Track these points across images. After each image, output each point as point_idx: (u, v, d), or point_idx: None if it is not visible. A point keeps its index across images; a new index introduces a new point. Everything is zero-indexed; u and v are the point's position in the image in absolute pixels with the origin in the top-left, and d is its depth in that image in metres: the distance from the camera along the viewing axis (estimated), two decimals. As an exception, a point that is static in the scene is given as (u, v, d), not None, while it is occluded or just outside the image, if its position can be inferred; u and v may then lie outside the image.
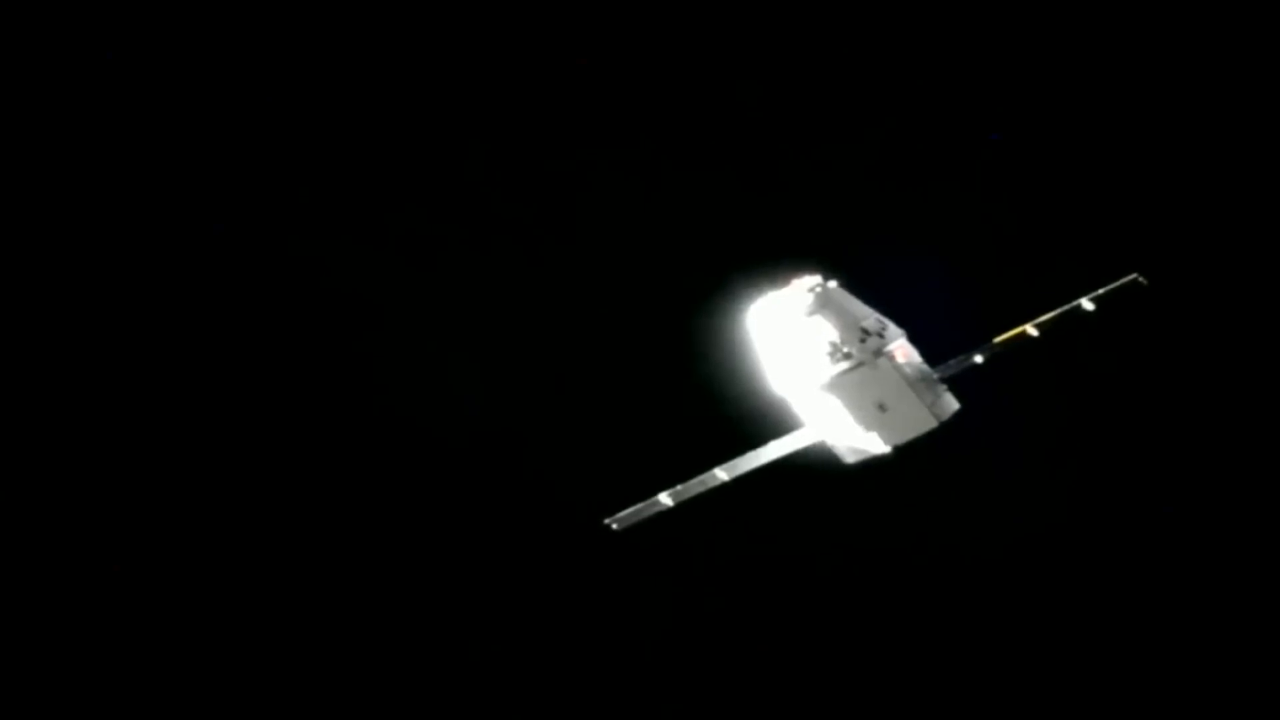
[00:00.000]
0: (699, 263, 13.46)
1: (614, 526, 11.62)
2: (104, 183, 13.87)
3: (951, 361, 11.07)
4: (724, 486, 11.41)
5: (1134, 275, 10.97)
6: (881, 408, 10.79)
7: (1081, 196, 13.55)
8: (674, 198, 13.75)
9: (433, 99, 13.85)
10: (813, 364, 10.74)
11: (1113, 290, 10.96)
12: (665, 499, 11.45)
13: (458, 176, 13.89)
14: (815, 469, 11.38)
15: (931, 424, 10.89)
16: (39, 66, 13.74)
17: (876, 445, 10.95)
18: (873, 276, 11.30)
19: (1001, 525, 13.59)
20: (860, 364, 10.70)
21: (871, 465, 11.13)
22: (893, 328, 10.86)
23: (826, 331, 10.70)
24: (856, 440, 10.98)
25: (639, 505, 11.52)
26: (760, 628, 13.83)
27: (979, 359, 11.05)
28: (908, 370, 10.81)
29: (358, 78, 13.85)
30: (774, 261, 11.21)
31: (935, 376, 11.01)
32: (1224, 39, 13.41)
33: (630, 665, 13.87)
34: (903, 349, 10.86)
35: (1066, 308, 10.99)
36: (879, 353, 10.73)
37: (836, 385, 10.74)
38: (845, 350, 10.69)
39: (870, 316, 10.81)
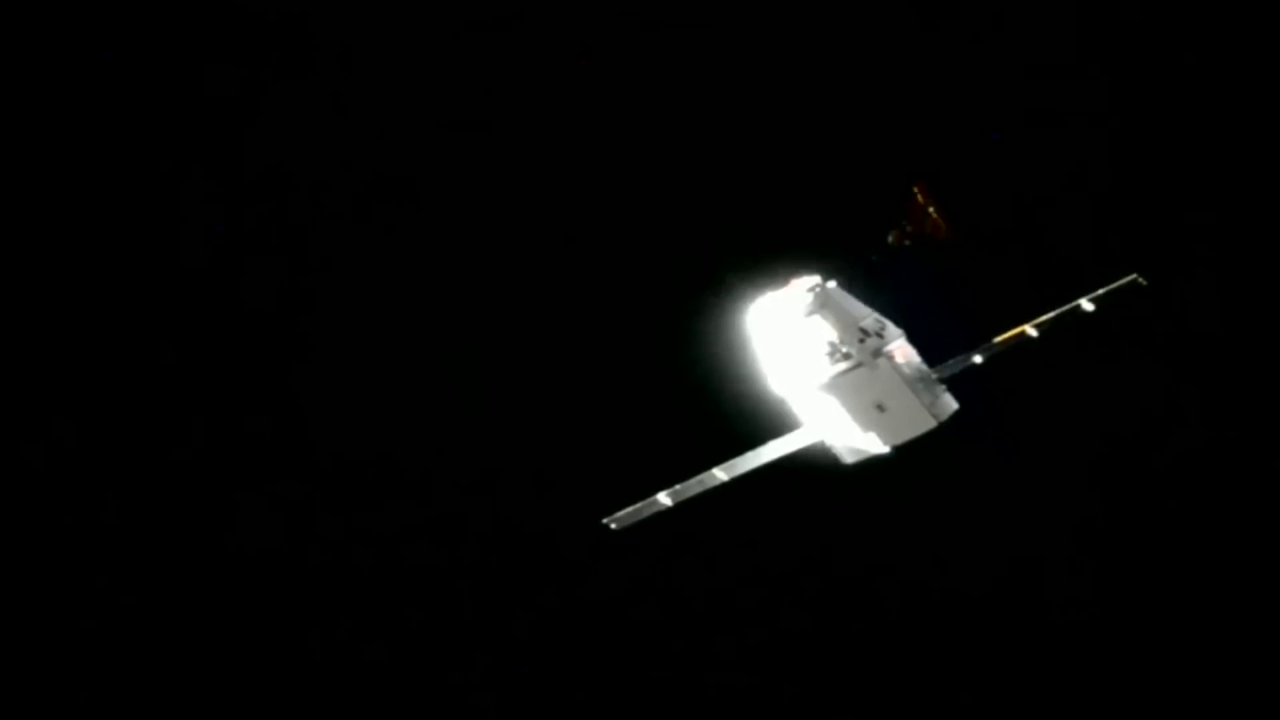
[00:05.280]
0: (699, 263, 13.46)
1: (613, 526, 11.63)
2: (104, 183, 13.87)
3: (951, 361, 11.08)
4: (723, 486, 11.42)
5: (1134, 275, 10.97)
6: (880, 408, 10.79)
7: (1081, 196, 13.54)
8: (673, 197, 13.75)
9: (433, 99, 13.85)
10: (811, 364, 10.75)
11: (1112, 290, 10.96)
12: (664, 499, 11.46)
13: (458, 176, 13.90)
14: (814, 469, 11.39)
15: (930, 424, 10.89)
16: (39, 66, 13.74)
17: (875, 445, 10.96)
18: (872, 276, 11.30)
19: (1001, 525, 13.58)
20: (859, 364, 10.71)
21: (870, 465, 11.13)
22: (891, 328, 10.87)
23: (825, 332, 10.71)
24: (855, 440, 10.98)
25: (638, 505, 11.53)
26: (759, 628, 13.83)
27: (978, 359, 11.06)
28: (906, 370, 10.81)
29: (358, 78, 13.86)
30: (774, 261, 11.21)
31: (934, 377, 11.02)
32: (1224, 39, 13.40)
33: (629, 665, 13.87)
34: (901, 349, 10.87)
35: (1066, 308, 11.00)
36: (878, 353, 10.74)
37: (835, 385, 10.75)
38: (844, 350, 10.70)
39: (869, 316, 10.82)
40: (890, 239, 12.52)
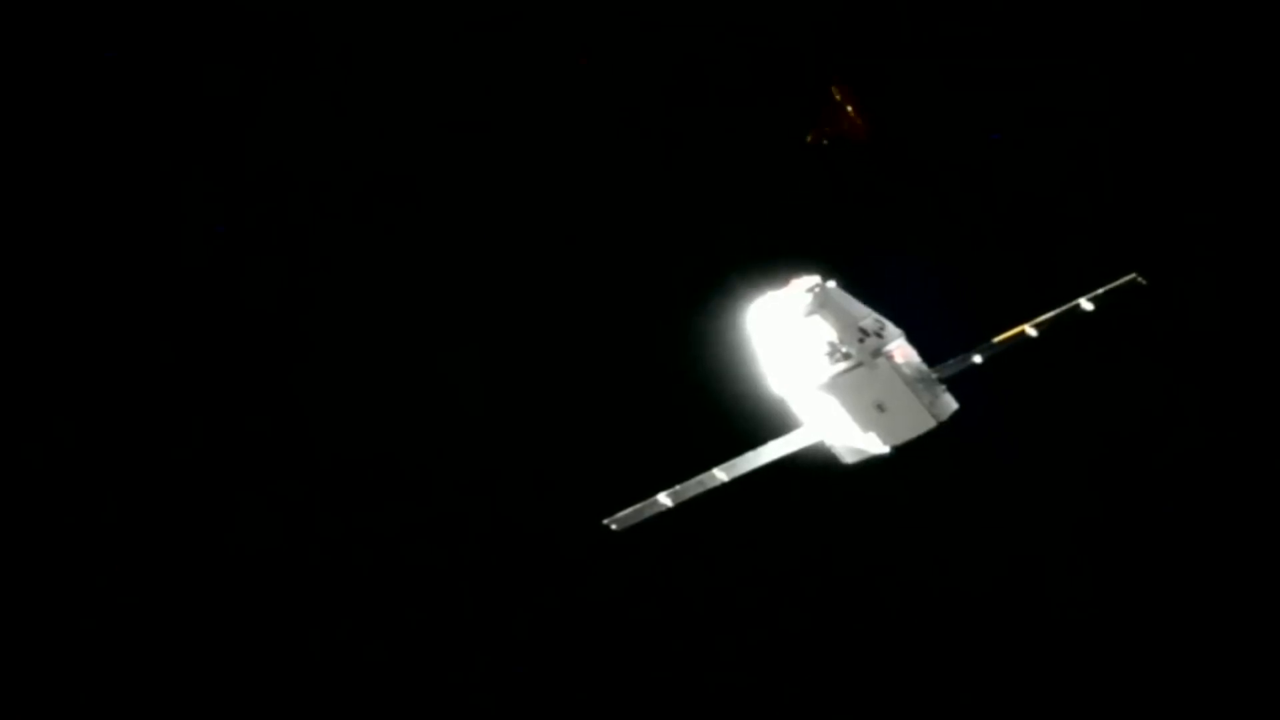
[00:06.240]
0: (699, 263, 13.47)
1: (613, 527, 11.62)
2: (104, 183, 13.87)
3: (950, 361, 11.07)
4: (723, 487, 11.41)
5: (1133, 275, 10.97)
6: (880, 408, 10.79)
7: (1081, 196, 13.55)
8: (674, 198, 13.76)
9: (433, 99, 13.86)
10: (811, 364, 10.74)
11: (1112, 290, 10.96)
12: (664, 499, 11.44)
13: (458, 176, 13.90)
14: (814, 469, 11.38)
15: (930, 424, 10.88)
16: (39, 66, 13.74)
17: (875, 445, 10.95)
18: (872, 276, 11.30)
19: (1001, 525, 13.58)
20: (859, 364, 10.70)
21: (870, 465, 11.13)
22: (891, 328, 10.86)
23: (825, 331, 10.70)
24: (855, 440, 10.97)
25: (638, 505, 11.51)
26: (760, 628, 13.83)
27: (978, 359, 11.05)
28: (906, 370, 10.80)
29: (358, 78, 13.86)
30: (774, 261, 11.21)
31: (934, 377, 11.01)
32: (1223, 39, 13.40)
33: (629, 665, 13.88)
34: (901, 349, 10.86)
35: (1066, 308, 10.99)
36: (877, 353, 10.73)
37: (835, 385, 10.74)
38: (844, 350, 10.69)
39: (869, 316, 10.81)
40: (808, 138, 12.46)
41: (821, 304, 10.72)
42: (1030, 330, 11.00)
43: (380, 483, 13.96)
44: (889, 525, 13.60)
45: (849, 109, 12.66)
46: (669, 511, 11.50)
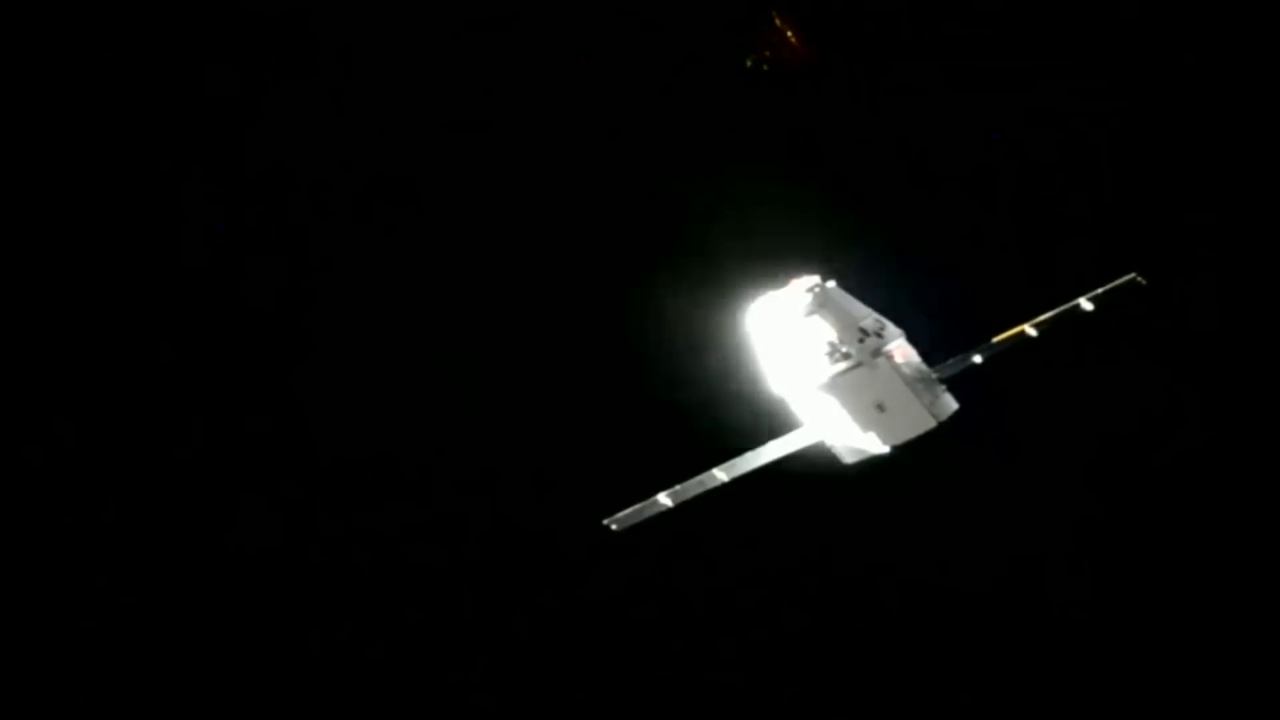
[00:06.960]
0: (699, 263, 13.47)
1: (613, 527, 11.63)
2: (105, 183, 13.88)
3: (950, 361, 11.08)
4: (723, 487, 11.42)
5: (1132, 275, 10.98)
6: (880, 408, 10.79)
7: (1081, 196, 13.55)
8: (673, 198, 13.76)
9: (433, 99, 13.86)
10: (811, 364, 10.75)
11: (1112, 290, 10.97)
12: (664, 499, 11.45)
13: (458, 176, 13.90)
14: (814, 469, 11.39)
15: (930, 424, 10.89)
16: (39, 66, 13.75)
17: (875, 445, 10.96)
18: (872, 276, 11.31)
19: (1001, 525, 13.59)
20: (859, 364, 10.71)
21: (870, 465, 11.14)
22: (891, 328, 10.87)
23: (825, 331, 10.71)
24: (855, 440, 10.98)
25: (638, 505, 11.52)
26: (759, 628, 13.83)
27: (978, 359, 11.06)
28: (906, 370, 10.81)
29: (358, 78, 13.86)
30: (773, 261, 11.22)
31: (934, 376, 11.01)
32: (1223, 39, 13.40)
33: (629, 666, 13.88)
34: (901, 349, 10.86)
35: (1065, 307, 11.00)
36: (877, 353, 10.73)
37: (835, 385, 10.74)
38: (844, 350, 10.70)
39: (869, 316, 10.82)
40: (748, 62, 12.42)
41: (821, 304, 10.73)
42: (1030, 330, 11.00)
43: (380, 483, 13.96)
44: (889, 525, 13.61)
45: (789, 34, 12.61)
46: (669, 511, 11.51)
